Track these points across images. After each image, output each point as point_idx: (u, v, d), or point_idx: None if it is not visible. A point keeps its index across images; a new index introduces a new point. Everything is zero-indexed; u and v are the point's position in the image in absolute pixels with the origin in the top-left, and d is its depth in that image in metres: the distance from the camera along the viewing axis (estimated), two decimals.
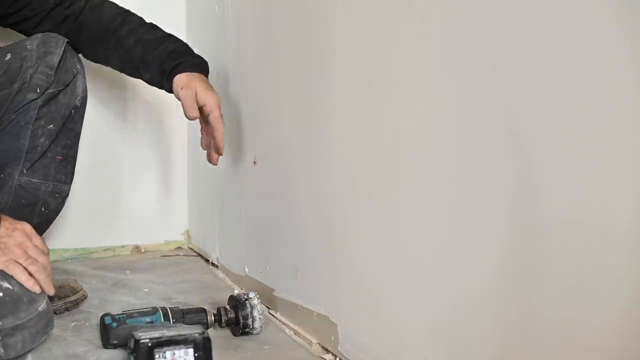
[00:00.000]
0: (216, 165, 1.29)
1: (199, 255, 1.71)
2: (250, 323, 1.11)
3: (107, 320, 1.06)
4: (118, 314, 1.08)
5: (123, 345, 1.02)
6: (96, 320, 1.14)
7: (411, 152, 0.84)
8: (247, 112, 1.35)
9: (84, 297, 1.29)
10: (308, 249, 1.12)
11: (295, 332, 1.15)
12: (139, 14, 1.37)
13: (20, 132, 1.23)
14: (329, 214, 1.04)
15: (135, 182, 1.74)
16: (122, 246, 1.73)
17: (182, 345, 0.92)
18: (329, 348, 1.05)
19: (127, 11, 1.36)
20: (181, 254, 1.75)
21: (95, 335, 1.11)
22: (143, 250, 1.75)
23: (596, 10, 0.59)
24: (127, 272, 1.54)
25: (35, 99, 1.22)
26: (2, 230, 1.04)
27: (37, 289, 1.01)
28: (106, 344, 1.05)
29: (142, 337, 0.92)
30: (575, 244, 0.61)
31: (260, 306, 1.13)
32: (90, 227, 1.68)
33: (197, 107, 1.22)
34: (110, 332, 1.04)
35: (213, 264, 1.59)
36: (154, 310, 1.09)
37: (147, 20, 1.36)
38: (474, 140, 0.74)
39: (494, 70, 0.70)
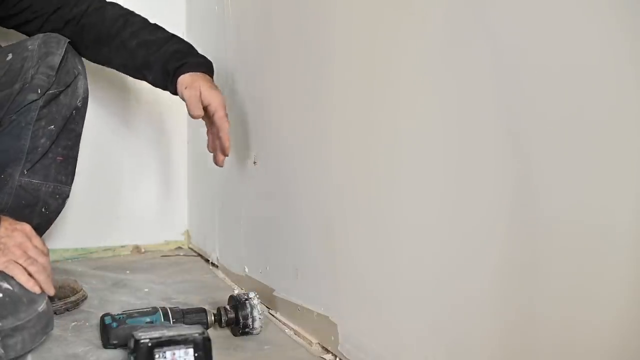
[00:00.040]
0: (222, 166, 1.27)
1: (199, 255, 1.71)
2: (250, 323, 1.11)
3: (107, 320, 1.06)
4: (118, 314, 1.08)
5: (123, 345, 1.02)
6: (96, 320, 1.14)
7: (411, 152, 0.84)
8: (247, 112, 1.35)
9: (84, 298, 1.29)
10: (308, 249, 1.12)
11: (295, 332, 1.15)
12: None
13: (20, 132, 1.23)
14: (329, 214, 1.04)
15: (135, 182, 1.74)
16: (122, 246, 1.73)
17: (182, 345, 0.92)
18: (329, 348, 1.05)
19: (131, 12, 1.35)
20: (181, 254, 1.75)
21: (95, 335, 1.11)
22: (143, 250, 1.75)
23: (596, 10, 0.59)
24: (127, 272, 1.54)
25: (36, 100, 1.22)
26: (2, 231, 1.04)
27: (37, 290, 1.01)
28: (106, 344, 1.05)
29: (142, 337, 0.92)
30: (575, 244, 0.61)
31: (260, 306, 1.13)
32: (91, 227, 1.68)
33: (201, 106, 1.21)
34: (110, 332, 1.04)
35: (213, 264, 1.59)
36: (154, 310, 1.09)
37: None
38: (474, 140, 0.74)
39: (494, 70, 0.70)
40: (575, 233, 0.61)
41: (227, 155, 1.25)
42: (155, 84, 1.32)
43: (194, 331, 0.95)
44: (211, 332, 1.02)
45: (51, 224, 1.32)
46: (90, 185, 1.63)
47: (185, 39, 1.35)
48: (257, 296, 1.14)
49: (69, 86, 1.26)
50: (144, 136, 1.74)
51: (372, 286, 0.93)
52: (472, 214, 0.74)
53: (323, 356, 1.05)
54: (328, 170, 1.04)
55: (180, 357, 0.92)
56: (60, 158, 1.27)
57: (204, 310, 1.12)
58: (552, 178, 0.64)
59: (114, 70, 1.39)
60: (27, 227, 1.07)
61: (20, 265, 1.02)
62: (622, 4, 0.58)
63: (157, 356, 0.91)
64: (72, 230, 1.64)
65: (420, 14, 0.81)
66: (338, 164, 1.01)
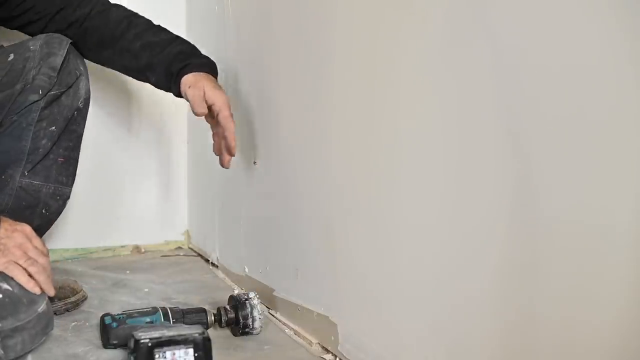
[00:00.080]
0: (228, 168, 1.25)
1: (199, 255, 1.71)
2: (250, 323, 1.11)
3: (107, 320, 1.06)
4: (118, 314, 1.08)
5: (123, 345, 1.02)
6: (96, 320, 1.14)
7: (411, 152, 0.84)
8: (247, 112, 1.35)
9: (84, 298, 1.29)
10: (308, 249, 1.12)
11: (295, 332, 1.15)
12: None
13: (22, 133, 1.22)
14: (329, 214, 1.04)
15: (135, 182, 1.74)
16: (122, 246, 1.73)
17: (182, 345, 0.92)
18: (329, 348, 1.05)
19: (135, 14, 1.34)
20: (181, 254, 1.75)
21: (95, 335, 1.11)
22: (143, 250, 1.74)
23: (596, 10, 0.59)
24: (127, 272, 1.54)
25: (37, 101, 1.22)
26: (2, 232, 1.04)
27: (37, 290, 1.01)
28: (106, 344, 1.05)
29: (142, 337, 0.92)
30: (575, 244, 0.61)
31: (260, 306, 1.13)
32: (91, 227, 1.68)
33: (205, 105, 1.19)
34: (110, 332, 1.04)
35: (213, 264, 1.59)
36: (154, 310, 1.09)
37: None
38: (474, 140, 0.74)
39: (494, 70, 0.70)
40: (575, 233, 0.61)
41: (234, 155, 1.23)
42: (158, 85, 1.31)
43: (194, 331, 0.95)
44: (211, 332, 1.02)
45: (51, 225, 1.32)
46: (90, 185, 1.63)
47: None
48: (257, 296, 1.14)
49: (70, 87, 1.25)
50: (144, 136, 1.74)
51: (372, 286, 0.93)
52: (472, 214, 0.74)
53: (323, 356, 1.05)
54: (328, 170, 1.04)
55: (180, 357, 0.92)
56: (62, 159, 1.27)
57: (204, 310, 1.12)
58: (552, 178, 0.64)
59: (115, 71, 1.38)
60: (27, 228, 1.07)
61: (21, 266, 1.02)
62: (622, 4, 0.58)
63: (157, 356, 0.91)
64: (72, 230, 1.64)
65: (421, 14, 0.81)
66: (338, 164, 1.01)
